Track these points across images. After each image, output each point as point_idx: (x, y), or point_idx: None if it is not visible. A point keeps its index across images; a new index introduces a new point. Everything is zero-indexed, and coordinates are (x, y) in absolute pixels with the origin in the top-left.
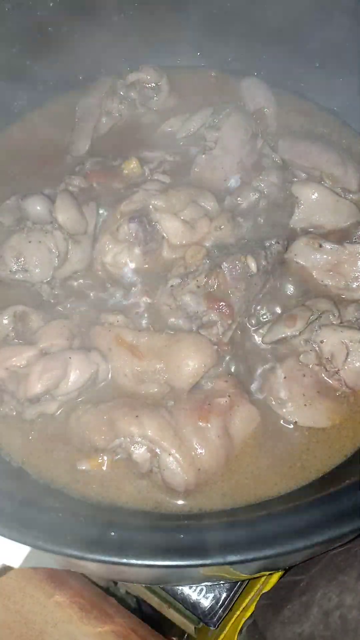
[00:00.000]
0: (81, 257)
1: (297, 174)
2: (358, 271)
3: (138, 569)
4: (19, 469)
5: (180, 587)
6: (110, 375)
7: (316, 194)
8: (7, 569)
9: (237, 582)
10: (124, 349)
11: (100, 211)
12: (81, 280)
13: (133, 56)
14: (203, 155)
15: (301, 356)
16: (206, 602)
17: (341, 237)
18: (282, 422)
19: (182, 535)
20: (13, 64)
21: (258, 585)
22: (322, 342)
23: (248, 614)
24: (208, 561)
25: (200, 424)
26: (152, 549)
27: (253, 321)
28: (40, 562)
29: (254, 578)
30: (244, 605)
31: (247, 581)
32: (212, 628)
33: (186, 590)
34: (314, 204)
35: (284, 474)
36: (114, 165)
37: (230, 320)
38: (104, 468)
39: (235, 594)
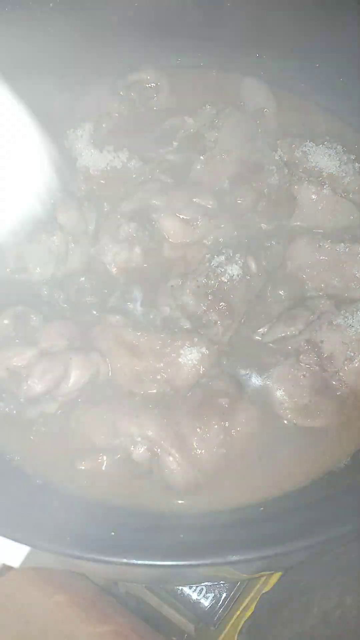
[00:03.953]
0: (81, 257)
1: (297, 174)
2: (358, 271)
3: (138, 569)
4: (19, 469)
5: (180, 587)
6: (110, 375)
7: (316, 194)
8: (7, 569)
9: (237, 582)
10: (123, 349)
11: (100, 211)
12: (81, 280)
13: (133, 56)
14: (203, 155)
15: (301, 356)
16: (206, 602)
17: (341, 237)
18: (282, 422)
19: (182, 535)
20: (13, 64)
21: (258, 585)
22: (322, 342)
23: (248, 614)
24: (208, 561)
25: (200, 423)
26: (152, 549)
27: (253, 321)
28: (40, 562)
29: (254, 578)
30: (244, 605)
31: (247, 581)
32: (212, 628)
33: (186, 590)
34: (313, 204)
35: (283, 474)
36: (114, 165)
37: (230, 320)
38: (104, 468)
39: (235, 594)
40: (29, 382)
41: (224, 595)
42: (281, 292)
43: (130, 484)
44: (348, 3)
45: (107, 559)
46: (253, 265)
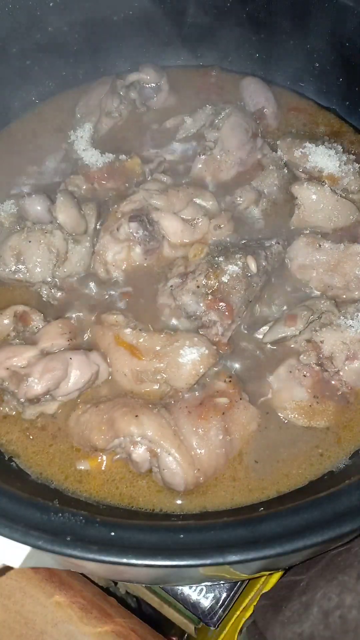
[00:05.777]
0: (81, 257)
1: (297, 174)
2: (358, 271)
3: (138, 569)
4: (19, 469)
5: (180, 587)
6: (110, 375)
7: (316, 194)
8: (7, 569)
9: (237, 582)
10: (123, 349)
11: (100, 211)
12: (81, 280)
13: (133, 56)
14: (203, 155)
15: (301, 356)
16: (206, 602)
17: (341, 237)
18: (282, 422)
19: (182, 535)
20: (13, 64)
21: (258, 585)
22: (322, 342)
23: (248, 614)
24: (208, 561)
25: (200, 424)
26: (152, 549)
27: (253, 321)
28: (40, 562)
29: (254, 578)
30: (244, 605)
31: (247, 581)
32: (212, 628)
33: (186, 590)
34: (313, 204)
35: (283, 474)
36: (114, 165)
37: (230, 321)
38: (104, 468)
39: (235, 594)
40: (29, 382)
41: (224, 595)
42: (281, 292)
43: (130, 484)
44: (346, 3)
45: (107, 559)
46: (253, 266)
